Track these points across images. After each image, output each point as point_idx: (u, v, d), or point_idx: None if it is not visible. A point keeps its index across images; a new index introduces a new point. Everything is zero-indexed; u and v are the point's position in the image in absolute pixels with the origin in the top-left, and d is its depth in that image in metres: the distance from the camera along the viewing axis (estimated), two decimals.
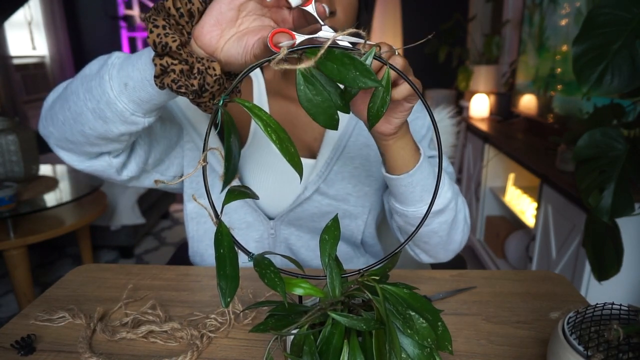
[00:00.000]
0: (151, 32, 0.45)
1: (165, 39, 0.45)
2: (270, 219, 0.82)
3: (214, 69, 0.47)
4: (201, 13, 0.48)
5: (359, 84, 0.37)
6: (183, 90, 0.47)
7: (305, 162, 0.81)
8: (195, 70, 0.46)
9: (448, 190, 0.70)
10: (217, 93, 0.49)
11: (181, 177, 0.81)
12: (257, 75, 0.85)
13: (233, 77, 0.51)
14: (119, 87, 0.54)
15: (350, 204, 0.82)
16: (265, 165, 0.80)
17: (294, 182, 0.81)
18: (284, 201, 0.82)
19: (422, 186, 0.65)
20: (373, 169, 0.82)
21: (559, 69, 2.03)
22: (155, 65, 0.46)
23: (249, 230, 0.83)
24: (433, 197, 0.46)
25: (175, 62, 0.46)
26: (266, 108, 0.84)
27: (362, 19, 0.73)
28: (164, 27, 0.46)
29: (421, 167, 0.63)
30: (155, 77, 0.47)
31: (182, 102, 0.78)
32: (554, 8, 2.08)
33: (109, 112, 0.56)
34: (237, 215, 0.83)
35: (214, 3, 0.47)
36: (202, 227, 0.85)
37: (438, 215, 0.70)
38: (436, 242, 0.74)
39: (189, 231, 0.87)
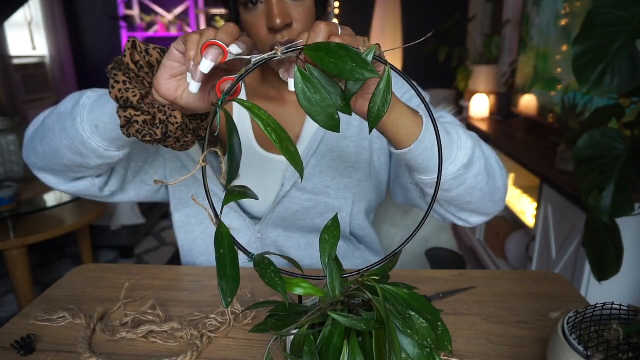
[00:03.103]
0: (112, 87, 0.49)
1: (127, 94, 0.49)
2: (256, 224, 0.83)
3: (175, 117, 0.51)
4: (160, 63, 0.51)
5: (356, 76, 0.37)
6: (148, 138, 0.51)
7: (283, 159, 0.82)
8: (157, 120, 0.50)
9: (467, 139, 0.62)
10: (181, 137, 0.53)
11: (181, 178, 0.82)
12: None
13: (199, 118, 0.56)
14: (91, 128, 0.59)
15: (330, 197, 0.83)
16: (241, 168, 0.81)
17: (271, 181, 0.82)
18: (265, 202, 0.83)
19: (445, 132, 0.60)
20: (352, 160, 0.83)
21: (559, 70, 2.04)
22: (120, 117, 0.50)
23: (237, 236, 0.84)
24: (433, 198, 0.46)
25: (138, 113, 0.50)
26: (246, 112, 0.85)
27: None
28: (124, 82, 0.49)
29: (428, 128, 0.57)
30: (121, 126, 0.51)
31: None
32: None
33: (84, 149, 0.61)
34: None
35: (166, 59, 0.50)
36: (191, 236, 0.87)
37: (468, 169, 0.62)
38: (480, 197, 0.68)
39: (178, 240, 0.89)
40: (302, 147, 0.81)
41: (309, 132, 0.82)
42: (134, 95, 0.49)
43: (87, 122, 0.59)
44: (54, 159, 0.66)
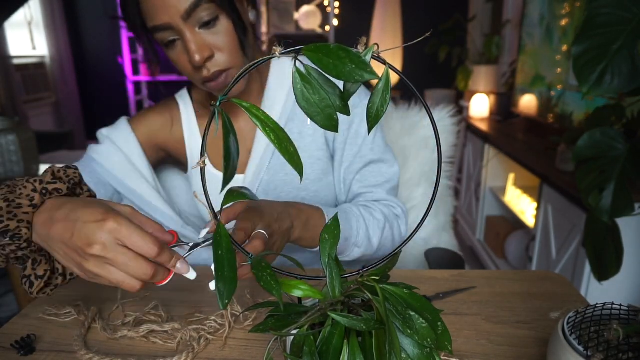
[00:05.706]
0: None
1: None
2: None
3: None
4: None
5: (355, 77, 0.36)
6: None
7: (240, 178, 0.81)
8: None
9: (374, 237, 0.78)
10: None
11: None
12: (184, 100, 0.85)
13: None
14: None
15: None
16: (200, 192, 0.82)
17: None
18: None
19: (344, 239, 0.72)
20: (307, 172, 0.81)
21: (562, 69, 2.05)
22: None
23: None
24: (432, 199, 0.46)
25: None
26: (196, 129, 0.84)
27: (245, 43, 0.71)
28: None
29: None
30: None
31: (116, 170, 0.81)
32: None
33: None
34: (197, 253, 0.85)
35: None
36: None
37: (359, 258, 0.79)
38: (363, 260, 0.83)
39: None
40: (253, 163, 0.80)
41: (260, 147, 0.80)
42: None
43: None
44: None
